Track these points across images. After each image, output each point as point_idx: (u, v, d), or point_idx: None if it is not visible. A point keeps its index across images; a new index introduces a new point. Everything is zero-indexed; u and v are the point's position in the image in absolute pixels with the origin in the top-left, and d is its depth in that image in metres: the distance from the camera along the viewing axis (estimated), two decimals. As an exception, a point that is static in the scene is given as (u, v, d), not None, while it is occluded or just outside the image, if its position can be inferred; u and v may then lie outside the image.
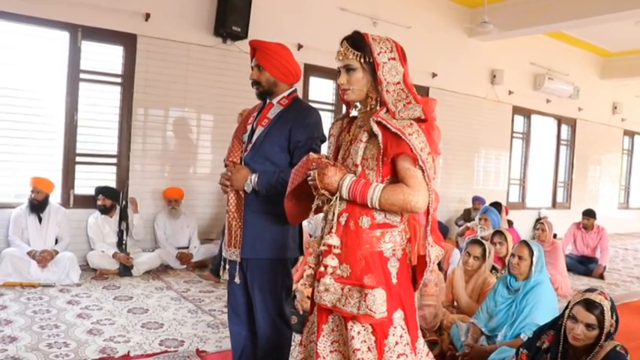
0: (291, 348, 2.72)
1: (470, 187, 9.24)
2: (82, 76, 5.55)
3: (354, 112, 2.07)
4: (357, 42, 1.91)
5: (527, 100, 10.07)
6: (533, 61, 9.99)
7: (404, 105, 1.84)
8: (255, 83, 2.56)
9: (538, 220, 6.82)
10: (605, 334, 2.48)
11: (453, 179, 9.04)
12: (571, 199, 11.42)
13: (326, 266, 1.82)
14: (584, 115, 11.33)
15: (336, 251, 1.83)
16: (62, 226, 5.17)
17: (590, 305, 2.47)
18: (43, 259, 4.81)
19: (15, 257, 4.76)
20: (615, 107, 12.12)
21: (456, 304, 4.18)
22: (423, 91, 8.41)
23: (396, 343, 1.84)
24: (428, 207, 1.84)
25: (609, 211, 12.30)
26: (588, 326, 2.45)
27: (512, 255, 3.64)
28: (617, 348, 2.48)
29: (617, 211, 12.77)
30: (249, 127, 2.61)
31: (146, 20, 5.73)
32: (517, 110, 10.01)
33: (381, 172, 1.85)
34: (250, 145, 2.54)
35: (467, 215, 8.38)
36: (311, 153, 2.00)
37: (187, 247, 5.94)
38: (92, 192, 5.58)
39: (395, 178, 1.85)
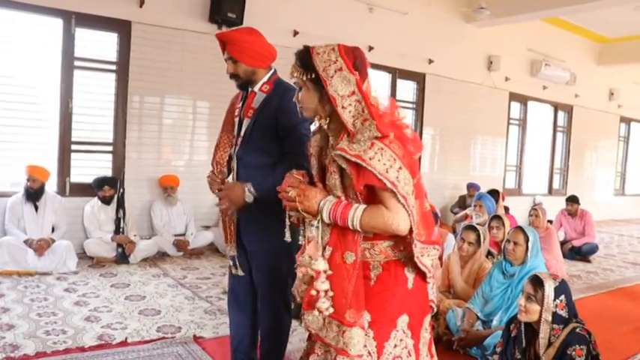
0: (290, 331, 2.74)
1: (466, 173, 9.26)
2: (76, 63, 5.52)
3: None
4: (301, 58, 1.81)
5: (524, 87, 10.06)
6: (530, 47, 9.96)
7: (361, 123, 1.73)
8: (233, 76, 2.49)
9: (533, 207, 6.87)
10: (549, 312, 2.58)
11: (449, 166, 9.06)
12: (567, 185, 11.45)
13: (318, 291, 1.75)
14: (581, 101, 11.33)
15: (326, 275, 1.75)
16: (58, 214, 5.16)
17: (533, 279, 2.69)
18: (40, 247, 4.81)
19: (12, 246, 4.76)
20: (612, 94, 12.11)
21: (452, 289, 4.20)
22: (419, 77, 8.39)
23: (395, 345, 1.82)
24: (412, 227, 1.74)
25: (605, 197, 12.38)
26: (528, 297, 2.65)
27: (508, 241, 3.66)
28: (577, 330, 2.55)
29: (613, 198, 12.84)
30: (236, 120, 2.56)
31: (140, 7, 5.69)
32: (513, 97, 10.00)
33: (362, 199, 1.77)
34: (240, 139, 2.49)
35: (462, 202, 8.41)
36: (293, 170, 1.90)
37: (184, 234, 5.94)
38: (88, 180, 5.57)
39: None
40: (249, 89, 2.52)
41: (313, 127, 2.03)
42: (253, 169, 2.46)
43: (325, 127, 1.85)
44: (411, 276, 1.84)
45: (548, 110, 11.04)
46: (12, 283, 4.41)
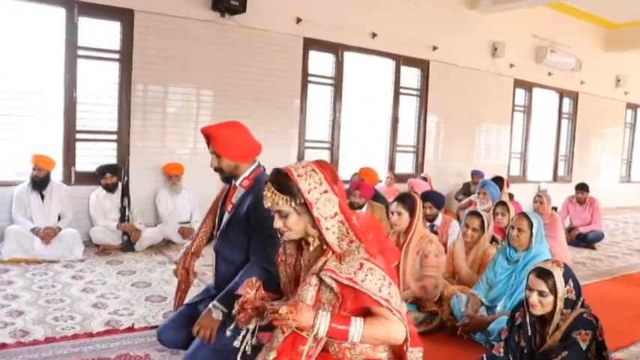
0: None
1: (470, 160, 9.24)
2: (79, 52, 5.52)
3: None
4: (282, 185, 1.77)
5: (529, 73, 9.99)
6: (535, 33, 9.88)
7: (347, 244, 1.77)
8: (217, 170, 2.52)
9: (537, 194, 6.85)
10: (562, 300, 2.53)
11: (453, 153, 9.04)
12: (572, 172, 11.41)
13: None
14: (587, 88, 11.24)
15: None
16: (64, 202, 5.20)
17: (540, 273, 2.58)
18: (47, 235, 4.85)
19: (19, 234, 4.81)
20: (618, 80, 11.98)
21: (456, 275, 4.22)
22: (424, 64, 8.35)
23: None
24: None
25: (611, 184, 12.32)
26: (541, 293, 2.55)
27: (512, 227, 3.65)
28: (584, 315, 2.52)
29: (619, 185, 12.77)
30: (218, 212, 2.62)
31: (143, -5, 5.68)
32: (518, 83, 9.94)
33: (342, 311, 1.77)
34: (218, 232, 2.54)
35: (466, 189, 8.40)
36: (254, 278, 1.87)
37: (189, 222, 5.97)
38: (93, 169, 5.59)
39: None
40: (232, 182, 2.54)
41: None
42: (230, 263, 2.50)
43: (311, 248, 1.85)
44: None
45: (553, 97, 10.96)
46: (20, 271, 4.46)
